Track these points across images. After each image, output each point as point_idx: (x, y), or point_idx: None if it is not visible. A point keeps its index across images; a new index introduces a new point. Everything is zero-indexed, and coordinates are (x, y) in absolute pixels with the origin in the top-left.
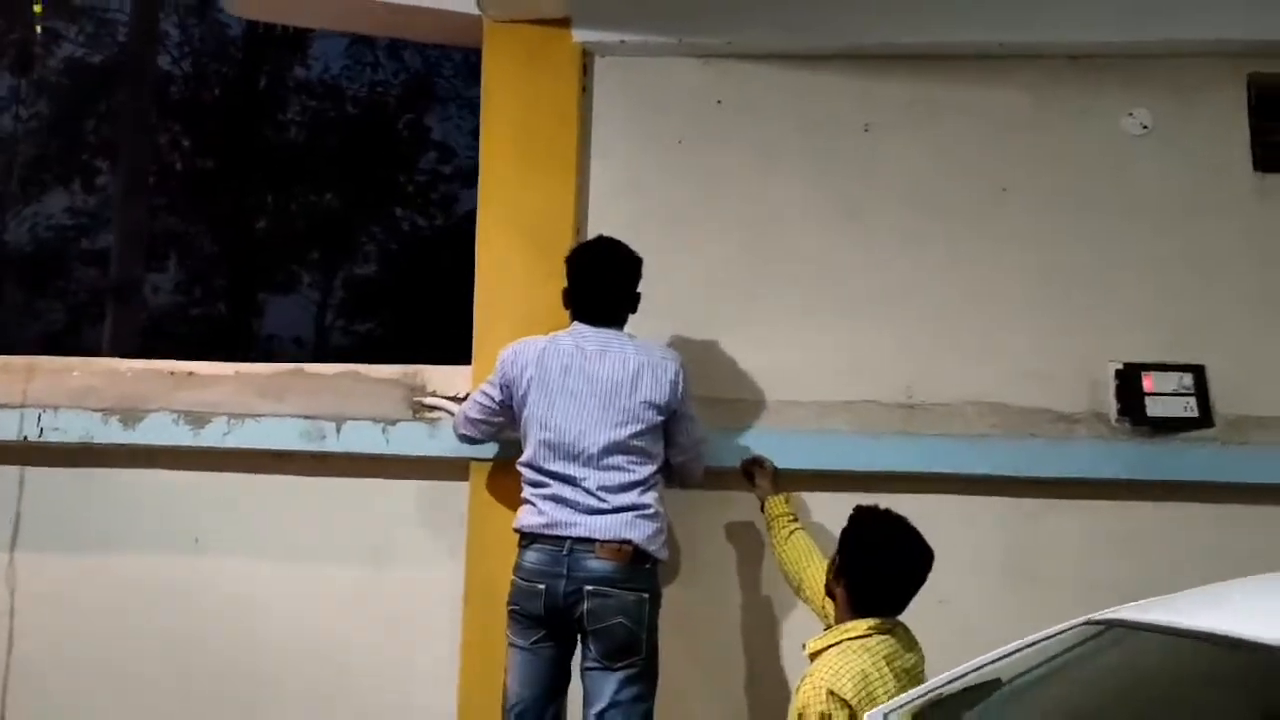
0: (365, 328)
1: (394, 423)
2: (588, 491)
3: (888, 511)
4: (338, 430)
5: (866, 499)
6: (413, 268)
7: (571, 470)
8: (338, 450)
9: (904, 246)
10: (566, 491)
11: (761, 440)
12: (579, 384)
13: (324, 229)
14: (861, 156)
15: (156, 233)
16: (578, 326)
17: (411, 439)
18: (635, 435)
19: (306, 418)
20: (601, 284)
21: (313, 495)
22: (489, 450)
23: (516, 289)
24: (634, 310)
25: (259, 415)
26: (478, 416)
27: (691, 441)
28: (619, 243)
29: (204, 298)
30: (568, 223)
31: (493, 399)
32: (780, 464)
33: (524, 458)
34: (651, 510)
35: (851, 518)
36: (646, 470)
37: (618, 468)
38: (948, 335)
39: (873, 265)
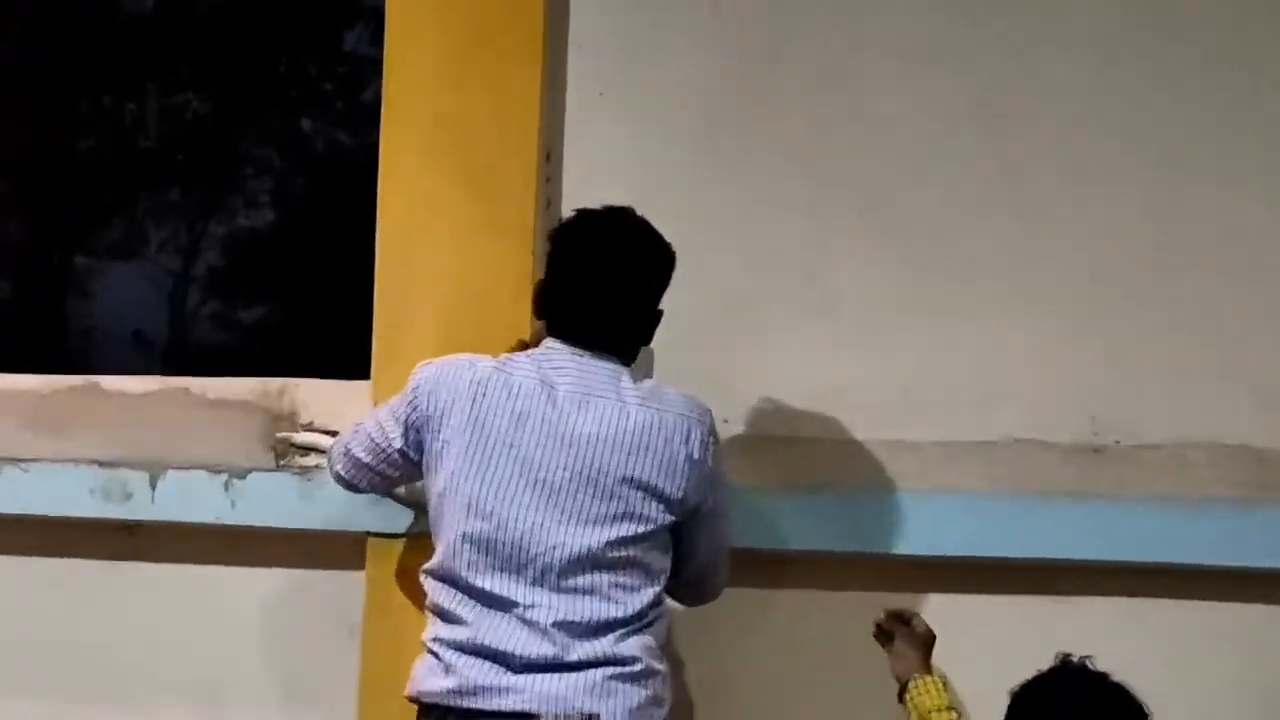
0: (254, 314)
1: (244, 474)
2: (535, 629)
3: (1081, 670)
4: (152, 485)
5: (1026, 611)
6: (329, 212)
7: (513, 590)
8: (152, 518)
9: (1082, 200)
10: (498, 629)
11: (844, 509)
12: (538, 446)
13: (187, 152)
14: (1012, 47)
15: None
16: (551, 348)
17: (272, 499)
18: (626, 541)
19: (103, 465)
20: (605, 287)
21: (109, 594)
22: (399, 519)
23: (441, 260)
24: (647, 340)
25: (25, 461)
26: (364, 457)
27: (714, 553)
28: (645, 224)
29: None
30: (528, 153)
31: (389, 440)
32: (875, 545)
33: (433, 560)
34: (640, 667)
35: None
36: (639, 599)
37: (591, 592)
38: (1157, 338)
39: (1028, 228)
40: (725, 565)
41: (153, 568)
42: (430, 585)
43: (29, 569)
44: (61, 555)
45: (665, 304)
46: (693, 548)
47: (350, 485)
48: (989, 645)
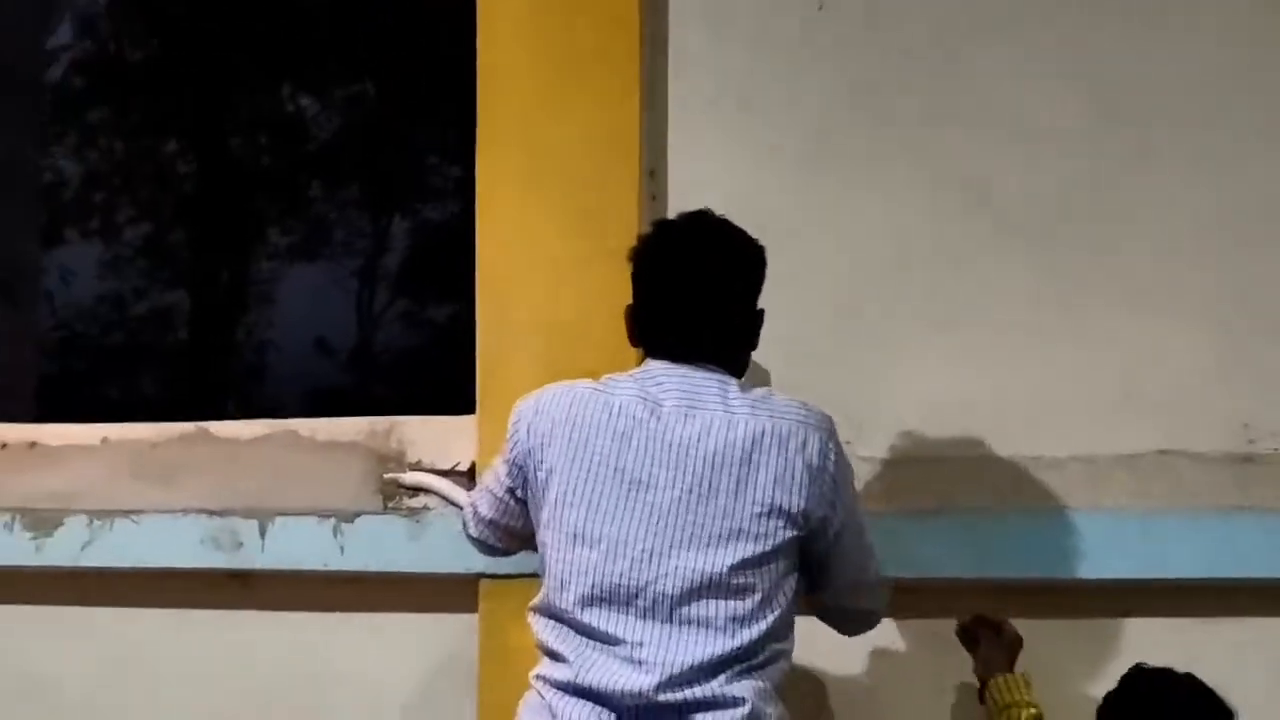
0: (444, 312)
1: (352, 518)
2: (641, 669)
3: (1186, 678)
4: (262, 533)
5: (1172, 638)
6: None
7: (621, 625)
8: (262, 566)
9: (1224, 191)
10: (603, 667)
11: (973, 533)
12: (643, 465)
13: (364, 145)
14: (1140, 27)
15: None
16: (650, 367)
17: (381, 543)
18: (745, 564)
19: (212, 514)
20: (689, 295)
21: (224, 645)
22: (511, 560)
23: (542, 292)
24: (750, 344)
25: (137, 512)
26: (490, 514)
27: (857, 573)
28: (725, 224)
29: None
30: (629, 177)
31: (505, 487)
32: (1002, 569)
33: (539, 597)
34: (747, 710)
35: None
36: (754, 630)
37: (705, 625)
38: None
39: (1166, 225)
40: (876, 589)
41: (267, 616)
42: (536, 623)
43: (145, 621)
44: (175, 606)
45: (779, 318)
46: (828, 570)
47: (489, 548)
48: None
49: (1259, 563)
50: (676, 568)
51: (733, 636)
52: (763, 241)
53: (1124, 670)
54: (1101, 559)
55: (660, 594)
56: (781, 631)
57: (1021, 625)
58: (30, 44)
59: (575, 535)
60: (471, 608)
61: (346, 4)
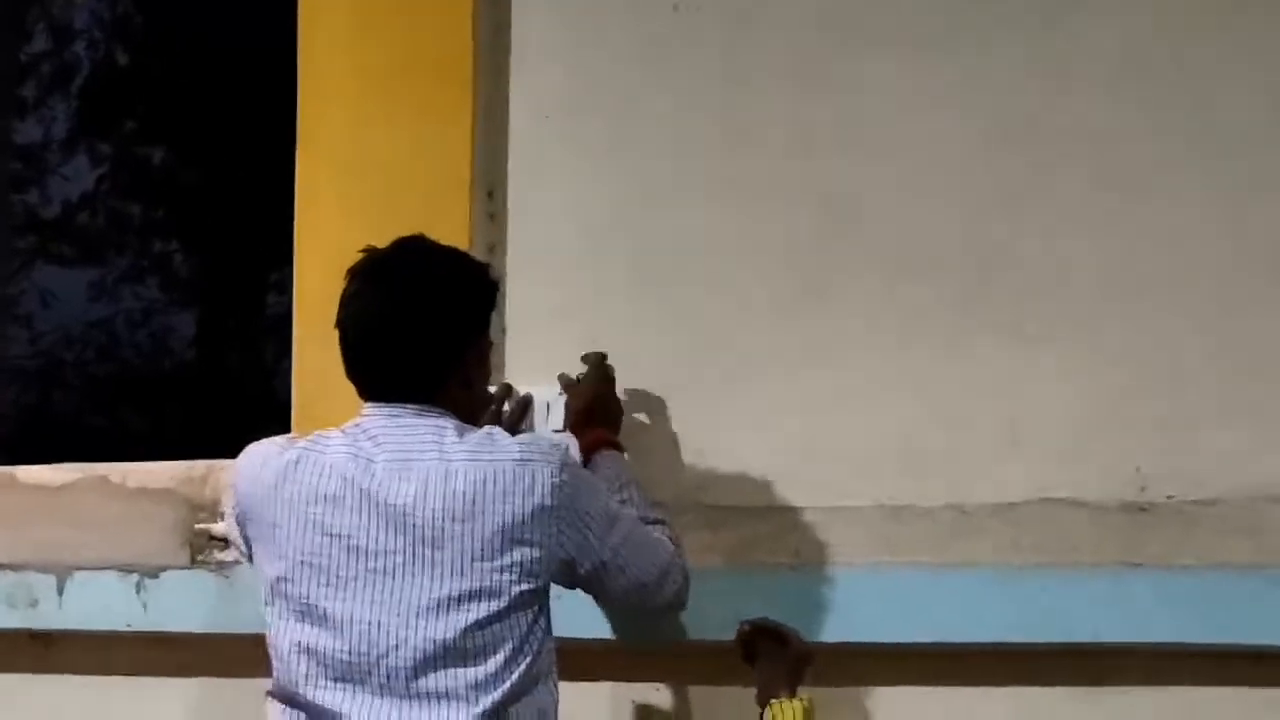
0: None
1: (157, 573)
2: None
3: None
4: (60, 590)
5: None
6: None
7: (356, 706)
8: (60, 627)
9: (1123, 206)
10: None
11: (831, 591)
12: (362, 530)
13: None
14: (1030, 26)
15: None
16: (364, 416)
17: (186, 602)
18: (482, 624)
19: (9, 568)
20: (372, 332)
21: (22, 707)
22: None
23: None
24: (471, 380)
25: None
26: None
27: (639, 578)
28: (429, 249)
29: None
30: (460, 195)
31: (244, 544)
32: (862, 632)
33: (273, 682)
34: None
35: None
36: (499, 694)
37: (445, 696)
38: (1223, 364)
39: (1055, 243)
40: (667, 579)
41: (68, 680)
42: (272, 709)
43: None
44: None
45: (627, 352)
46: (600, 593)
47: None
48: None
49: (1152, 626)
50: (408, 639)
51: (475, 704)
52: (614, 265)
53: None
54: (973, 619)
55: (394, 669)
56: (533, 685)
57: (880, 695)
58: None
59: (299, 612)
60: None
61: None
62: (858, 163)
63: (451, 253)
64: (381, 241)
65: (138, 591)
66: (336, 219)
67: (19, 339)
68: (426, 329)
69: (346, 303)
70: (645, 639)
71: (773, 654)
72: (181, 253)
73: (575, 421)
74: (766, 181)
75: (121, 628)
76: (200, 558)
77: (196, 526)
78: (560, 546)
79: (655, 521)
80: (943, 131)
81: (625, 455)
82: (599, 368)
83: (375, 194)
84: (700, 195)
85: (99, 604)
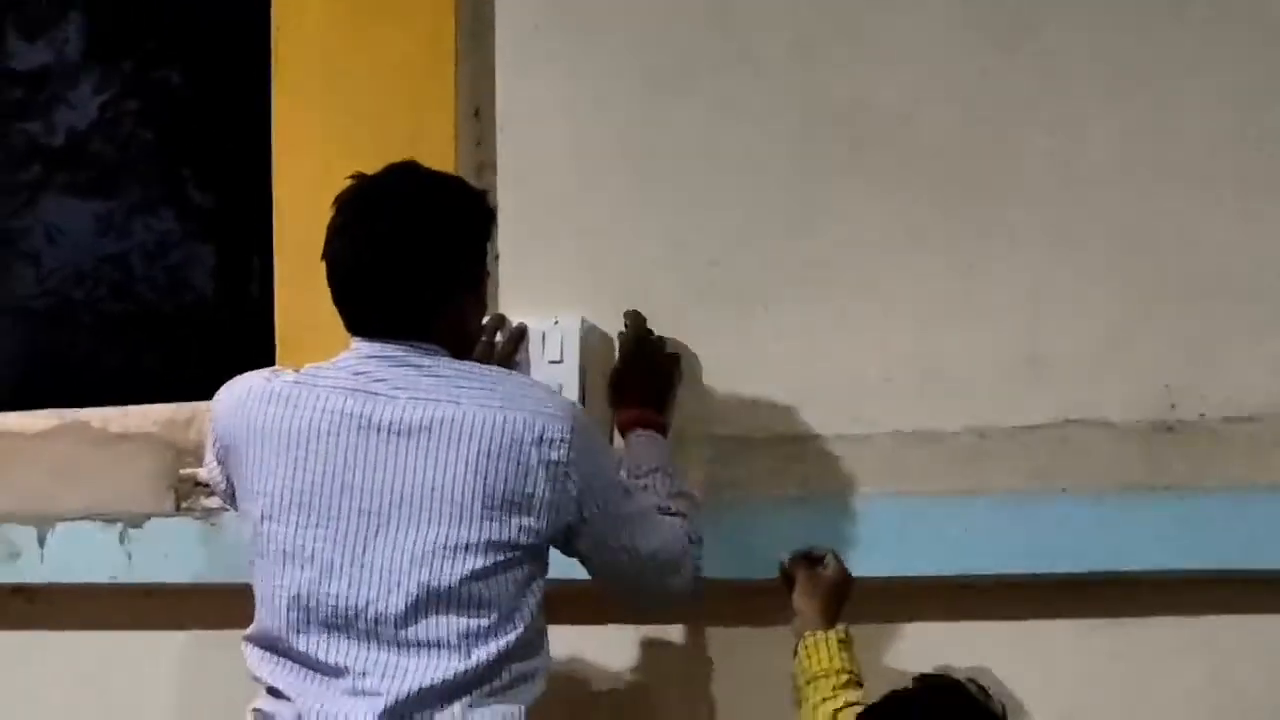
0: None
1: (141, 522)
2: (368, 701)
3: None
4: (41, 541)
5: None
6: None
7: (342, 653)
8: (42, 580)
9: (1136, 118)
10: (327, 703)
11: (842, 523)
12: (358, 468)
13: None
14: None
15: None
16: (356, 350)
17: (172, 552)
18: (477, 575)
19: None
20: (362, 266)
21: (6, 670)
22: None
23: None
24: (456, 313)
25: None
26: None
27: (641, 559)
28: (414, 174)
29: None
30: (444, 117)
31: (223, 484)
32: (876, 566)
33: (253, 626)
34: None
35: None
36: (490, 650)
37: (436, 645)
38: (1249, 280)
39: (1071, 154)
40: (671, 572)
41: (51, 636)
42: (251, 654)
43: None
44: None
45: (621, 276)
46: (598, 566)
47: None
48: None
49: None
50: (400, 583)
51: (468, 656)
52: (610, 187)
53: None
54: (991, 548)
55: (383, 613)
56: (527, 650)
57: (894, 631)
58: None
59: (284, 553)
60: None
61: None
62: (865, 69)
63: (445, 179)
64: (362, 168)
65: (122, 542)
66: (315, 144)
67: (26, 277)
68: (420, 262)
69: (334, 235)
70: None
71: (807, 583)
72: (196, 182)
73: (614, 393)
74: (768, 95)
75: (105, 579)
76: (186, 505)
77: (182, 472)
78: (564, 508)
79: (675, 514)
80: (948, 37)
81: (667, 437)
82: (637, 333)
83: (354, 117)
84: (701, 112)
85: (82, 556)
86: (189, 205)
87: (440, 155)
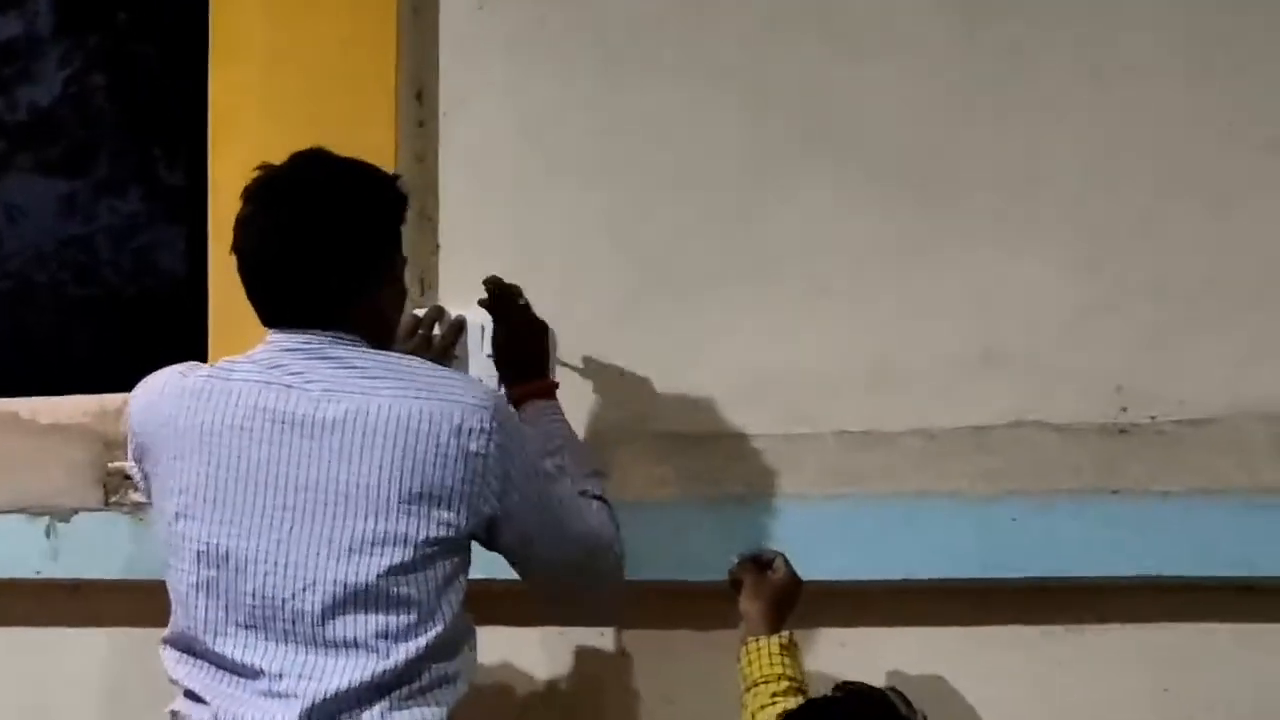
0: None
1: (68, 516)
2: (285, 703)
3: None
4: None
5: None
6: None
7: (258, 653)
8: None
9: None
10: (242, 707)
11: (774, 523)
12: (272, 463)
13: None
14: None
15: None
16: (270, 342)
17: (99, 546)
18: (395, 571)
19: None
20: (270, 258)
21: None
22: None
23: None
24: (372, 301)
25: None
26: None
27: (569, 547)
28: (320, 161)
29: None
30: (384, 99)
31: (142, 480)
32: (822, 570)
33: (169, 628)
34: None
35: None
36: (410, 649)
37: (354, 645)
38: (1209, 278)
39: (1032, 143)
40: (599, 559)
41: None
42: (168, 657)
43: None
44: None
45: (564, 269)
46: (524, 559)
47: None
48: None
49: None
50: (317, 581)
51: (386, 656)
52: (555, 176)
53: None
54: (939, 553)
55: (300, 612)
56: (448, 650)
57: (838, 636)
58: None
59: (199, 553)
60: None
61: None
62: (823, 53)
63: (353, 165)
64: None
65: (48, 536)
66: (253, 125)
67: None
68: (328, 250)
69: (241, 227)
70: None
71: (753, 587)
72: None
73: (504, 365)
74: (719, 81)
75: (31, 575)
76: (114, 499)
77: (110, 465)
78: (485, 501)
79: (594, 497)
80: (904, 27)
81: (555, 402)
82: (500, 299)
83: (293, 98)
84: (651, 100)
85: (7, 550)
86: (159, 185)
87: (380, 138)
